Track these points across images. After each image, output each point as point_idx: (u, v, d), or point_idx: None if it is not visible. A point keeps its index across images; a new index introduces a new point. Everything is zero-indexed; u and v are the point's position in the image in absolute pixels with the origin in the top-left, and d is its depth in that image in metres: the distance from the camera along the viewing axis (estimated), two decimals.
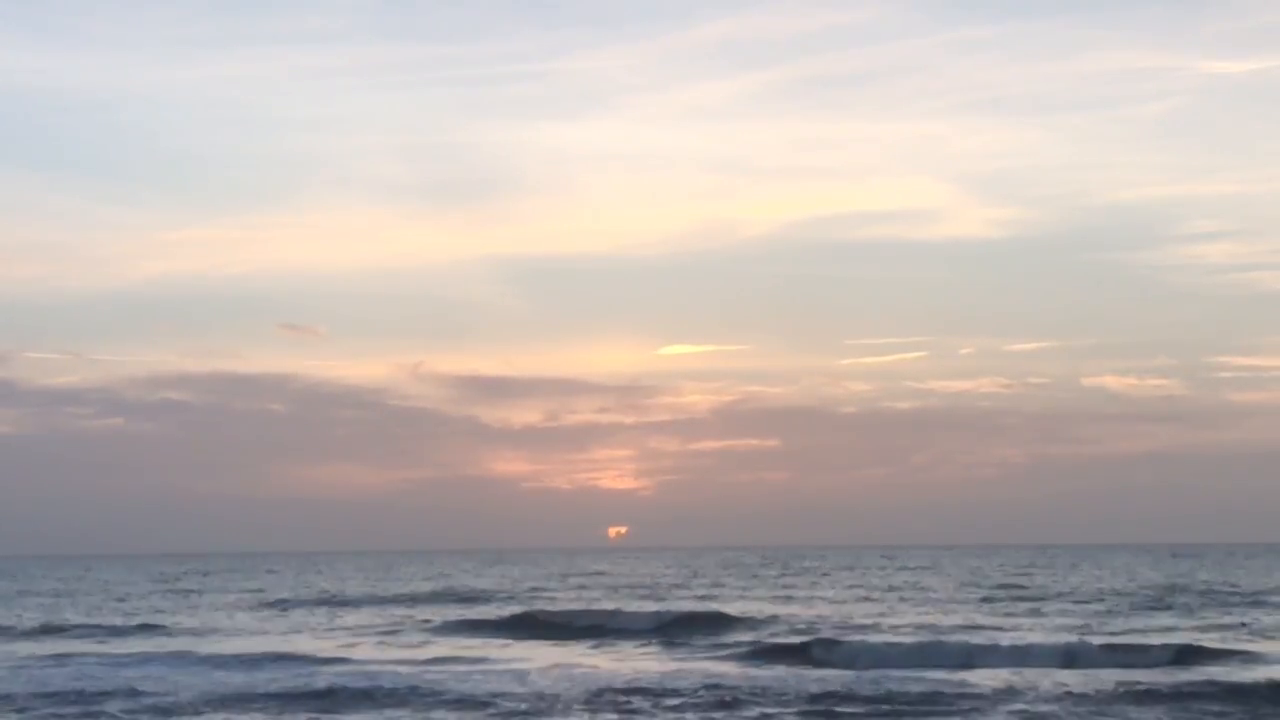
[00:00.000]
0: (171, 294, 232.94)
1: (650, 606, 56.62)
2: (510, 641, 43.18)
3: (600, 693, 28.90)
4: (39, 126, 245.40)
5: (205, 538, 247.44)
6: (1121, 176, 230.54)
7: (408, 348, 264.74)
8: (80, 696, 29.05)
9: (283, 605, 63.02)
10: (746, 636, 42.31)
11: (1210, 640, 39.44)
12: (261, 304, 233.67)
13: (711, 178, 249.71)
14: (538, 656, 37.63)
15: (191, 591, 79.79)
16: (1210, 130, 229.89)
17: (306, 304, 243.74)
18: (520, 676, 32.49)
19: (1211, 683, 29.69)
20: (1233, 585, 70.77)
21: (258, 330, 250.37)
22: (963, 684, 29.57)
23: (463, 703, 27.87)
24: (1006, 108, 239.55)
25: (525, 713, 26.41)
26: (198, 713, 26.92)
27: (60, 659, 37.92)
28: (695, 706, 27.06)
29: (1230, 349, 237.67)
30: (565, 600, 63.77)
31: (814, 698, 27.83)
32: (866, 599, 62.77)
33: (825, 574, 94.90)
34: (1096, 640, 38.51)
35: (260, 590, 79.38)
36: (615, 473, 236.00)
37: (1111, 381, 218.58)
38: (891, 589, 71.73)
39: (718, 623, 46.87)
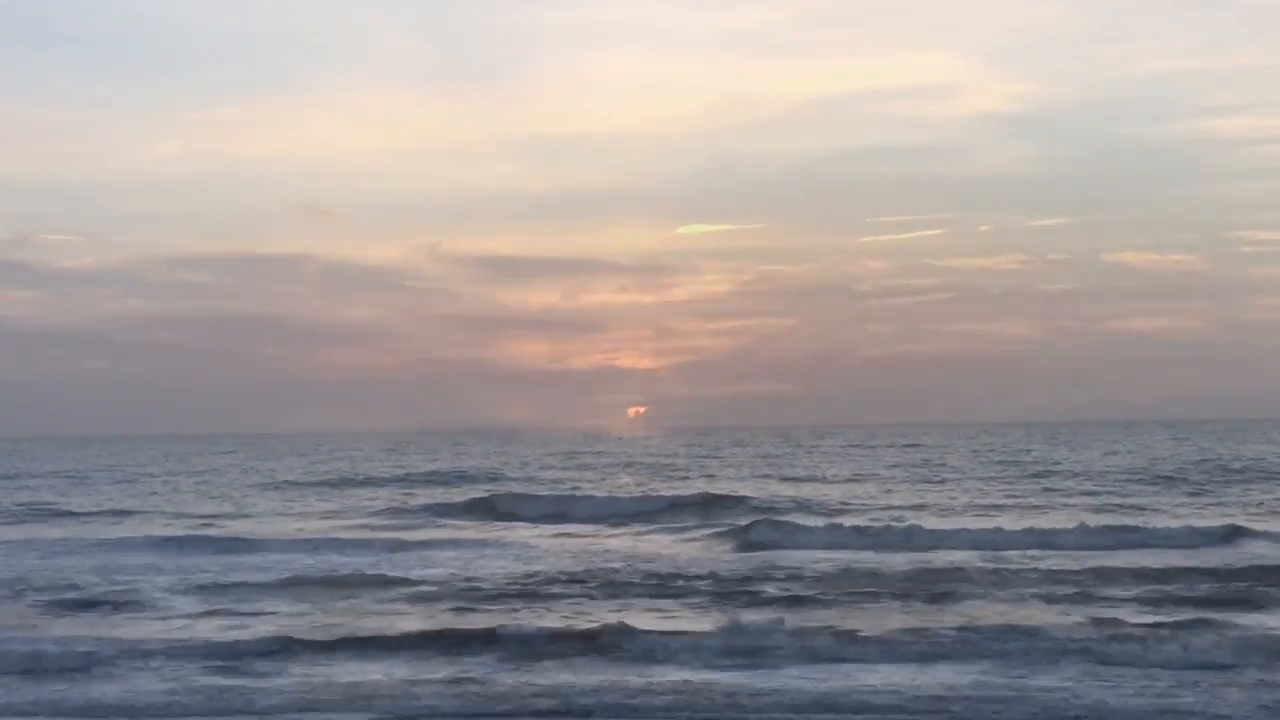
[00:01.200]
0: (189, 175, 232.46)
1: (638, 489, 56.05)
2: (489, 523, 42.49)
3: (554, 574, 28.36)
4: (56, 8, 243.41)
5: (223, 419, 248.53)
6: (1143, 49, 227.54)
7: (424, 229, 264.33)
8: (75, 586, 27.82)
9: (288, 487, 62.52)
10: (734, 517, 41.23)
11: (1234, 516, 38.43)
12: (279, 186, 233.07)
13: (729, 55, 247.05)
14: (517, 538, 36.89)
15: (207, 472, 79.58)
16: (1233, 1, 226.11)
17: (323, 185, 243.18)
18: (492, 556, 32.02)
19: (1242, 557, 28.90)
20: (1255, 460, 69.75)
21: (275, 212, 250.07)
22: (957, 564, 28.64)
23: (423, 585, 26.90)
24: None
25: (487, 594, 25.54)
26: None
27: (63, 542, 37.00)
28: (640, 584, 26.57)
29: (1252, 223, 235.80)
30: (560, 482, 62.82)
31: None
32: (875, 477, 61.99)
33: (836, 452, 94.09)
34: (1096, 519, 37.52)
35: (270, 472, 79.05)
36: (633, 352, 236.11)
37: (1132, 257, 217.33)
38: (901, 466, 70.90)
39: (708, 505, 45.91)
